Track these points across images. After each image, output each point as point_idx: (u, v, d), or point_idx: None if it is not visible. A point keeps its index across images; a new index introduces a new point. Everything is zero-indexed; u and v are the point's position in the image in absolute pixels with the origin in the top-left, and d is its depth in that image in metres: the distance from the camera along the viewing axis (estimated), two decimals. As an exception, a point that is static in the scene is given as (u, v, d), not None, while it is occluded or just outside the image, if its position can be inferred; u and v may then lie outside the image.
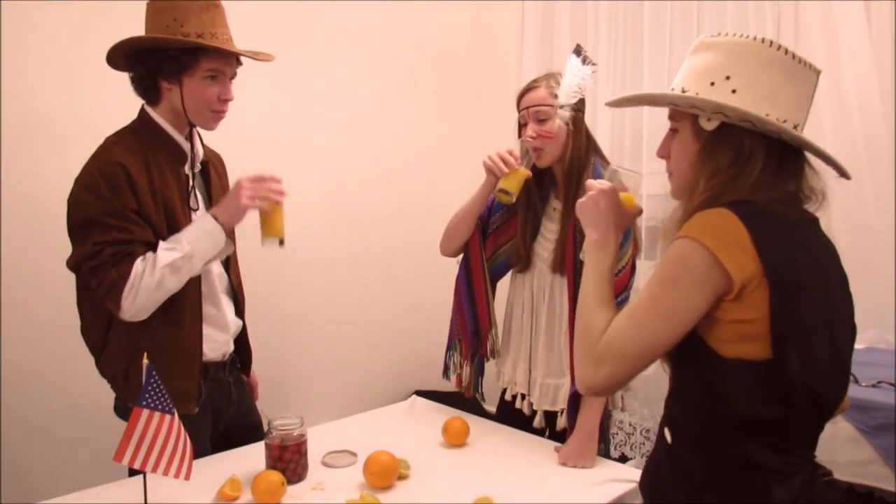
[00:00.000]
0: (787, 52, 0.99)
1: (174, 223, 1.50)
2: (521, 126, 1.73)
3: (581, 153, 1.68)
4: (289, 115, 2.78)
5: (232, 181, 1.80)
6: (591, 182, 1.20)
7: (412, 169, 3.23)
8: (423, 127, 3.28)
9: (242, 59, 1.58)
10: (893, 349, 2.29)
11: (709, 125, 1.01)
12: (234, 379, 1.71)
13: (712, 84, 1.00)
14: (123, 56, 1.50)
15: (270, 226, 1.55)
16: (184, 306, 1.52)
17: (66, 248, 1.48)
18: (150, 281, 1.41)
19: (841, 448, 1.92)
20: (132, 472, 1.47)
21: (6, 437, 2.07)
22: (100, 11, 2.08)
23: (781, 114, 0.98)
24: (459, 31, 3.43)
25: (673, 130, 1.09)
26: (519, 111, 1.73)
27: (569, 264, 1.67)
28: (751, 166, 0.98)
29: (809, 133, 1.13)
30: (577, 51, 1.69)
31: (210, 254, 1.50)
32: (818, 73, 1.03)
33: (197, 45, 1.46)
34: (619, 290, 1.66)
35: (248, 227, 1.84)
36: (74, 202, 1.45)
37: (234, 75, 1.57)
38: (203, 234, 1.48)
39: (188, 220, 1.53)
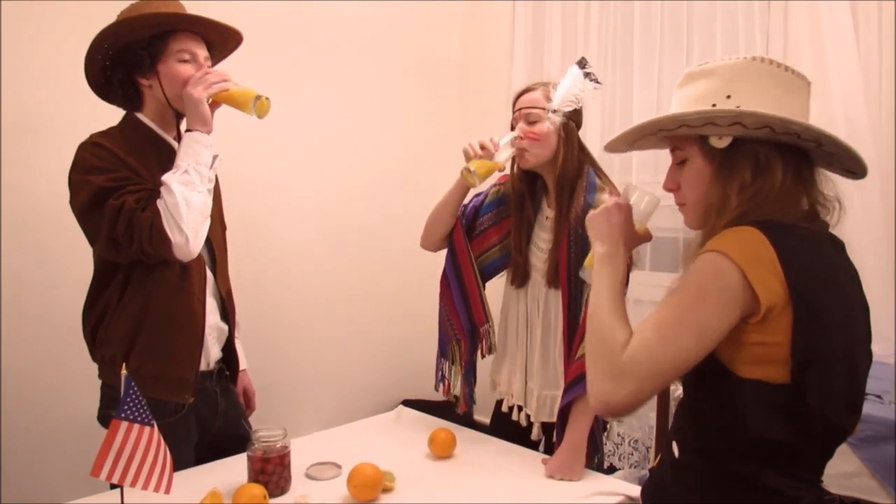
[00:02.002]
0: (779, 65, 0.99)
1: None
2: (513, 128, 1.72)
3: (573, 162, 1.67)
4: (276, 123, 2.74)
5: (229, 189, 1.80)
6: (607, 196, 1.18)
7: (401, 178, 3.22)
8: (411, 135, 3.27)
9: (230, 62, 1.56)
10: (880, 361, 2.29)
11: (721, 143, 0.99)
12: (221, 389, 1.67)
13: (714, 105, 0.99)
14: (99, 70, 1.50)
15: (239, 98, 1.52)
16: (190, 283, 1.53)
17: (66, 250, 1.47)
18: (174, 201, 1.40)
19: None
20: (113, 485, 1.44)
21: (6, 439, 2.06)
22: (101, 11, 2.06)
23: None
24: (449, 37, 3.43)
25: (679, 163, 1.07)
26: (513, 112, 1.72)
27: (563, 277, 1.66)
28: (771, 177, 0.97)
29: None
30: (582, 63, 1.68)
31: (206, 156, 1.49)
32: (808, 83, 1.03)
33: (157, 17, 1.45)
34: None
35: (238, 234, 1.83)
36: (76, 185, 1.45)
37: (208, 61, 1.56)
38: (187, 148, 1.47)
39: None
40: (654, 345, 0.93)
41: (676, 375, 0.94)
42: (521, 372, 1.78)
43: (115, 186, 1.42)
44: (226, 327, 1.69)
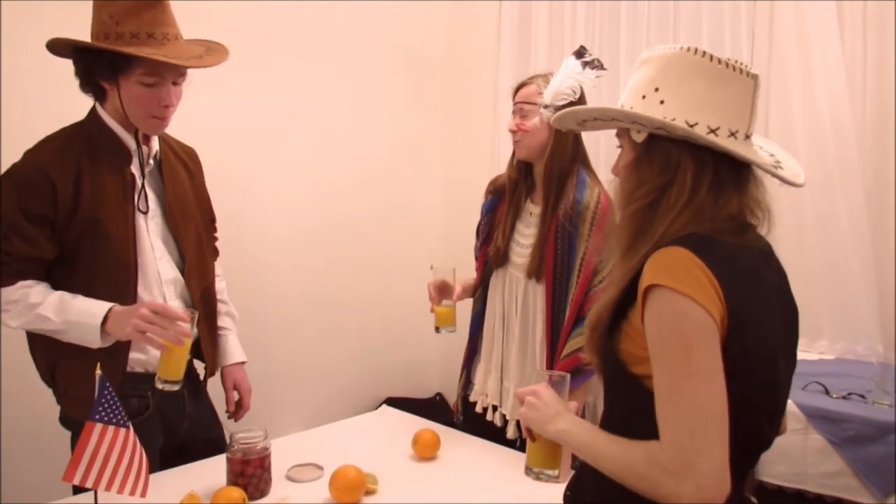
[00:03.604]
0: (712, 58, 0.98)
1: (105, 227, 1.42)
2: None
3: (564, 158, 1.66)
4: (260, 119, 2.72)
5: (210, 183, 1.73)
6: (518, 392, 1.15)
7: (385, 174, 3.19)
8: (395, 131, 3.24)
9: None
10: (862, 360, 2.31)
11: (638, 137, 1.01)
12: (189, 391, 1.60)
13: (644, 97, 1.01)
14: (63, 57, 1.44)
15: (165, 366, 1.38)
16: (114, 290, 1.44)
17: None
18: (15, 317, 1.39)
19: (812, 460, 1.93)
20: (77, 489, 1.40)
21: (6, 439, 2.02)
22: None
23: (712, 121, 0.96)
24: (435, 32, 3.40)
25: (619, 148, 1.09)
26: (514, 105, 1.75)
27: (548, 271, 1.65)
28: (681, 178, 0.97)
29: (784, 146, 1.12)
30: (580, 53, 1.67)
31: (76, 341, 1.40)
32: (755, 77, 1.00)
33: (115, 54, 1.35)
34: None
35: (218, 229, 1.79)
36: (4, 177, 1.41)
37: (182, 77, 1.45)
38: (79, 323, 1.38)
39: (129, 222, 1.45)
40: (682, 421, 0.88)
41: (722, 422, 0.88)
42: (496, 370, 1.77)
43: (10, 223, 1.37)
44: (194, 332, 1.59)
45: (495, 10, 3.23)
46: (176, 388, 1.40)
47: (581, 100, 1.65)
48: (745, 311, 0.91)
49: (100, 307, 1.39)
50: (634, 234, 1.00)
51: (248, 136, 2.65)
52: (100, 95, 1.47)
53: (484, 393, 1.79)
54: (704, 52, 0.98)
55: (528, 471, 1.17)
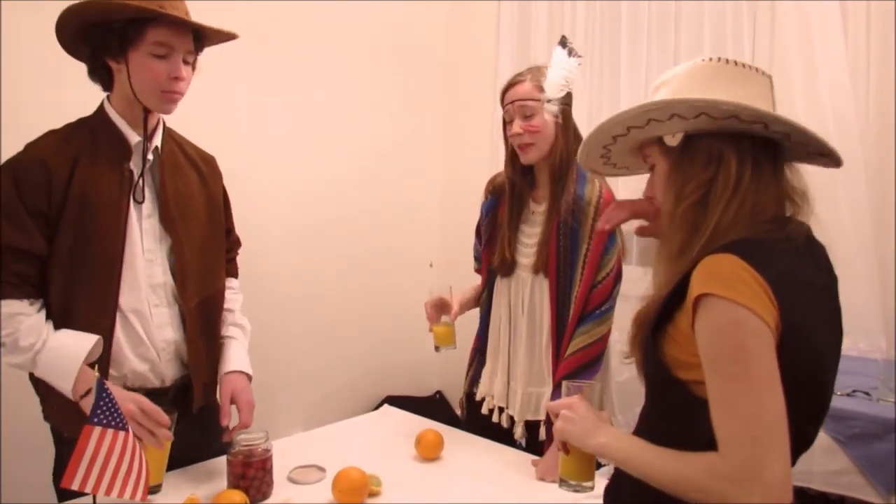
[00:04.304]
0: (728, 61, 1.01)
1: (101, 222, 1.38)
2: (507, 123, 1.67)
3: (569, 150, 1.63)
4: (258, 118, 2.69)
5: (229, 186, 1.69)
6: (549, 405, 1.14)
7: (384, 174, 3.17)
8: (394, 131, 3.21)
9: (209, 50, 1.47)
10: (866, 357, 2.29)
11: (673, 141, 1.01)
12: (180, 410, 1.43)
13: None
14: (72, 38, 1.40)
15: (149, 466, 1.29)
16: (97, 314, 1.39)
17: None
18: (9, 357, 1.34)
19: (817, 458, 1.91)
20: (62, 496, 1.36)
21: (6, 439, 2.01)
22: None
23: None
24: (433, 29, 3.38)
25: (651, 168, 1.08)
26: (503, 107, 1.67)
27: (552, 265, 1.63)
28: (725, 169, 0.97)
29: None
30: (563, 42, 1.64)
31: (48, 378, 1.34)
32: (769, 77, 1.03)
33: (138, 10, 1.32)
34: (602, 300, 1.61)
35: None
36: (3, 170, 1.37)
37: (191, 55, 1.43)
38: (55, 367, 1.32)
39: (122, 219, 1.40)
40: (744, 431, 0.87)
41: (784, 431, 0.87)
42: (503, 372, 1.74)
43: (8, 213, 1.33)
44: (183, 342, 1.51)
45: (494, 10, 3.21)
46: (154, 493, 1.36)
47: (571, 91, 1.64)
48: (797, 316, 0.90)
49: (72, 366, 1.32)
50: (688, 234, 0.98)
51: (245, 134, 2.62)
52: (107, 83, 1.43)
53: (490, 394, 1.76)
54: (720, 58, 1.01)
55: (564, 484, 1.16)
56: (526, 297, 1.69)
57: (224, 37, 1.48)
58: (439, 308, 1.70)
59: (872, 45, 2.33)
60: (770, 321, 0.88)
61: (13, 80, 2.01)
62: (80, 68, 1.44)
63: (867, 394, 1.97)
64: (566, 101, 1.63)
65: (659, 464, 0.95)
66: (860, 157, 2.31)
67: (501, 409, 1.74)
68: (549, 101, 1.60)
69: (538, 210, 1.70)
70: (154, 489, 1.36)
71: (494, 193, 1.80)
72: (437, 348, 1.71)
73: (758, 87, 1.02)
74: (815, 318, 0.95)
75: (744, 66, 1.01)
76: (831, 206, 2.34)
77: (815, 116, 2.35)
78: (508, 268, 1.71)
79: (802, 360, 0.92)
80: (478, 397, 1.82)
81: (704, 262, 0.92)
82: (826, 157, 1.04)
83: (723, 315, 0.89)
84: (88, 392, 1.31)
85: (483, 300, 1.81)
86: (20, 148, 1.39)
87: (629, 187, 2.76)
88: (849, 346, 2.37)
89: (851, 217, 2.31)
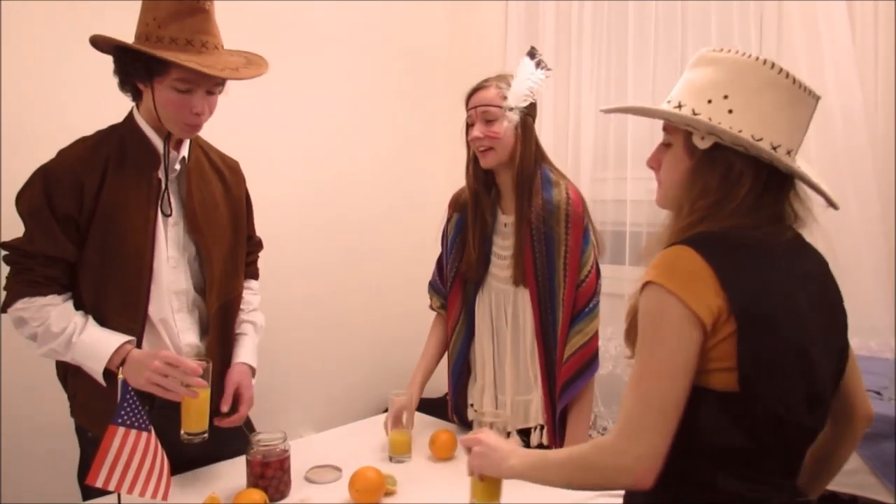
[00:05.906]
0: (787, 75, 0.99)
1: (123, 231, 1.41)
2: (469, 126, 1.69)
3: (530, 160, 1.64)
4: (263, 118, 2.71)
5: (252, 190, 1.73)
6: (462, 439, 1.23)
7: (389, 175, 3.18)
8: (400, 132, 3.22)
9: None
10: (877, 356, 2.30)
11: (702, 144, 1.01)
12: None
13: (709, 102, 1.00)
14: (104, 51, 1.44)
15: (186, 419, 1.37)
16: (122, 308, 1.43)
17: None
18: (39, 345, 1.40)
19: (827, 457, 1.91)
20: (87, 493, 1.39)
21: (6, 439, 2.02)
22: (102, 11, 2.03)
23: (775, 138, 0.98)
24: (440, 33, 3.39)
25: (666, 144, 1.08)
26: (467, 110, 1.69)
27: (530, 276, 1.64)
28: (738, 189, 0.99)
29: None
30: (532, 53, 1.66)
31: (81, 364, 1.40)
32: (817, 98, 1.03)
33: (151, 57, 1.35)
34: (590, 296, 1.63)
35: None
36: (30, 183, 1.42)
37: (216, 86, 1.44)
38: (89, 354, 1.37)
39: (150, 227, 1.44)
40: (639, 405, 0.93)
41: (676, 416, 0.92)
42: (490, 387, 1.75)
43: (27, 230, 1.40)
44: (202, 346, 1.55)
45: (501, 10, 3.22)
46: (199, 439, 1.39)
47: (535, 103, 1.65)
48: (757, 308, 0.93)
49: (105, 348, 1.37)
50: (680, 238, 1.00)
51: (251, 135, 2.63)
52: (136, 95, 1.46)
53: (482, 412, 1.76)
54: (781, 69, 0.99)
55: None
56: (509, 309, 1.70)
57: (250, 76, 1.46)
58: (397, 419, 1.69)
59: (880, 43, 2.33)
60: (703, 312, 0.91)
61: (14, 80, 2.00)
62: (84, 68, 1.45)
63: (878, 393, 1.97)
64: (529, 111, 1.64)
65: (561, 457, 1.03)
66: (869, 155, 2.31)
67: (491, 426, 1.75)
68: (510, 109, 1.61)
69: (508, 221, 1.70)
70: (195, 435, 1.39)
71: (462, 211, 1.78)
72: (390, 458, 1.65)
73: (804, 109, 1.01)
74: (786, 308, 0.96)
75: (798, 85, 1.00)
76: (839, 203, 2.33)
77: (822, 115, 2.36)
78: (476, 272, 1.72)
79: (770, 347, 0.93)
80: (469, 417, 1.81)
81: (661, 253, 0.97)
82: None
83: (651, 300, 0.94)
84: (123, 363, 1.36)
85: (461, 320, 1.79)
86: (20, 147, 1.41)
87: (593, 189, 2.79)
88: (859, 345, 2.37)
89: (860, 216, 2.31)
